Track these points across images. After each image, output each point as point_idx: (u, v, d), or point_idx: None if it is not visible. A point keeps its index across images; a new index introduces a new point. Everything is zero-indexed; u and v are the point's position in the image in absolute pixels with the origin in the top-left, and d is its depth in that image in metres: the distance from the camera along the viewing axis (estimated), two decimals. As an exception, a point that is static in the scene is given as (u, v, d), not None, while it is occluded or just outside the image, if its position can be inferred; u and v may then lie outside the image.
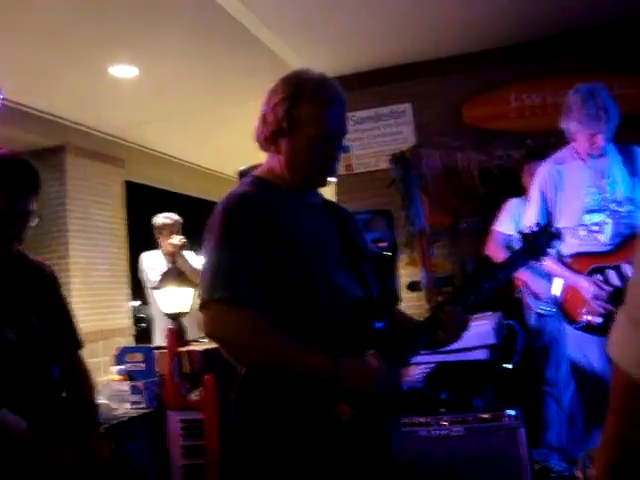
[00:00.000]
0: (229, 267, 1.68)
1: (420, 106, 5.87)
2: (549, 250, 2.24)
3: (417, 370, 3.40)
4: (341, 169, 5.98)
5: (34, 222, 2.21)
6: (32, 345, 2.11)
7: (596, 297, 3.01)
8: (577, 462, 3.67)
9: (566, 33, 5.38)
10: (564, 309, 3.18)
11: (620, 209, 3.11)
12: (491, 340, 3.34)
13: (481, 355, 3.32)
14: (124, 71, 5.53)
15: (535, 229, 2.24)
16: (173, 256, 5.13)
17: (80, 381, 2.32)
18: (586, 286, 3.04)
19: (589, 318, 3.03)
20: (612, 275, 3.04)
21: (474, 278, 1.97)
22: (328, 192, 5.74)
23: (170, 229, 5.30)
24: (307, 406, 1.63)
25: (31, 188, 2.19)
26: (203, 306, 1.70)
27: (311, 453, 1.62)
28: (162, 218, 5.40)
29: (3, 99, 2.93)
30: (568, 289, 3.16)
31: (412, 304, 5.15)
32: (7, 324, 2.06)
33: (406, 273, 5.44)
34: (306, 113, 1.78)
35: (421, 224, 5.40)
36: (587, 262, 3.09)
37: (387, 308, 1.91)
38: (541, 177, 3.23)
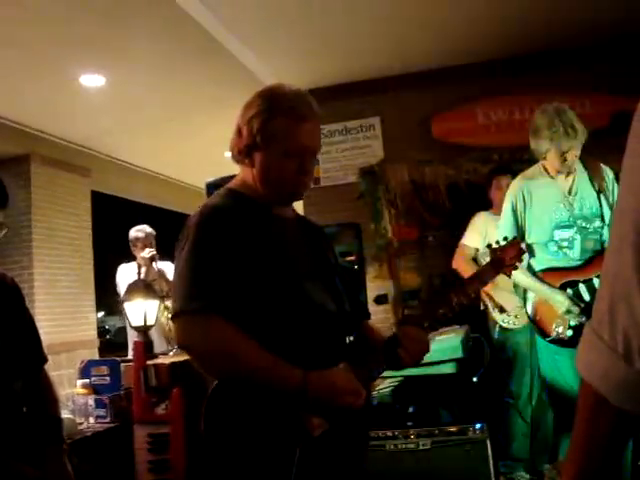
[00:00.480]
0: (201, 278, 1.67)
1: (389, 120, 5.92)
2: (517, 264, 2.27)
3: (384, 384, 3.41)
4: (309, 182, 5.99)
5: (2, 234, 2.17)
6: None
7: (569, 311, 3.05)
8: (543, 474, 3.72)
9: (534, 52, 5.48)
10: (536, 322, 3.22)
11: (588, 225, 3.17)
12: (458, 354, 3.37)
13: (448, 369, 3.35)
14: (91, 80, 5.49)
15: (503, 243, 2.28)
16: (146, 268, 5.12)
17: (44, 395, 2.27)
18: (561, 299, 3.09)
19: (559, 331, 3.08)
20: (584, 290, 3.09)
21: (442, 292, 1.98)
22: (296, 205, 5.77)
23: (143, 242, 5.31)
24: (278, 419, 1.63)
25: (1, 202, 2.15)
26: (175, 317, 1.69)
27: (282, 466, 1.61)
28: (135, 231, 5.40)
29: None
30: (540, 303, 3.20)
31: (379, 317, 5.17)
32: None
33: (374, 286, 5.47)
34: (280, 128, 1.78)
35: (388, 237, 5.44)
36: (559, 277, 3.13)
37: (359, 322, 1.91)
38: (512, 192, 3.28)
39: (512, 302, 4.07)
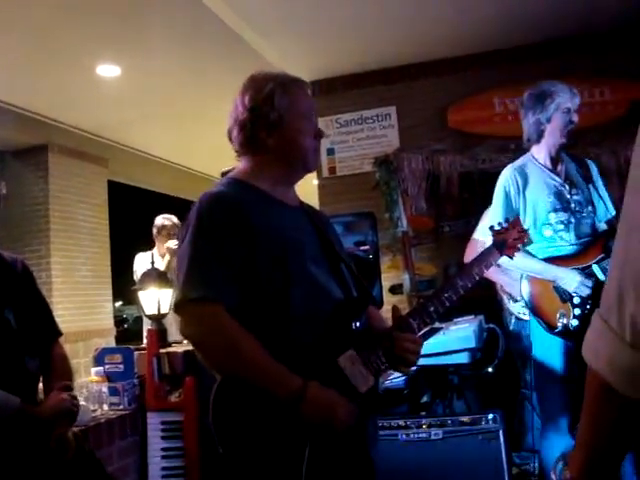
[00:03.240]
0: (204, 266, 1.66)
1: (405, 109, 5.89)
2: (519, 245, 2.25)
3: (398, 373, 3.40)
4: (325, 171, 5.99)
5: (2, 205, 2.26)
6: (7, 339, 2.11)
7: (583, 284, 3.01)
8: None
9: (551, 39, 5.42)
10: (539, 315, 3.18)
11: (581, 209, 3.17)
12: (472, 344, 3.35)
13: (462, 359, 3.33)
14: (107, 70, 5.51)
15: (505, 225, 2.25)
16: (170, 258, 5.16)
17: (56, 368, 2.31)
18: (572, 275, 3.05)
19: (564, 321, 3.04)
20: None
21: (447, 277, 1.98)
22: (312, 194, 5.77)
23: (168, 231, 5.34)
24: (287, 413, 1.62)
25: None
26: (178, 305, 1.69)
27: (288, 456, 1.61)
28: (162, 219, 5.43)
29: (-17, 96, 2.92)
30: (539, 292, 3.17)
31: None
32: None
33: (388, 276, 5.45)
34: (292, 99, 1.86)
35: (404, 227, 5.41)
36: (561, 264, 3.10)
37: (365, 308, 1.90)
38: (503, 180, 3.28)
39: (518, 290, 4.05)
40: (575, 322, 3.02)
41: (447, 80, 5.75)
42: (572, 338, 3.03)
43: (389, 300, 5.24)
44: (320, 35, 5.19)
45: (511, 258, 2.26)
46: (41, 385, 2.32)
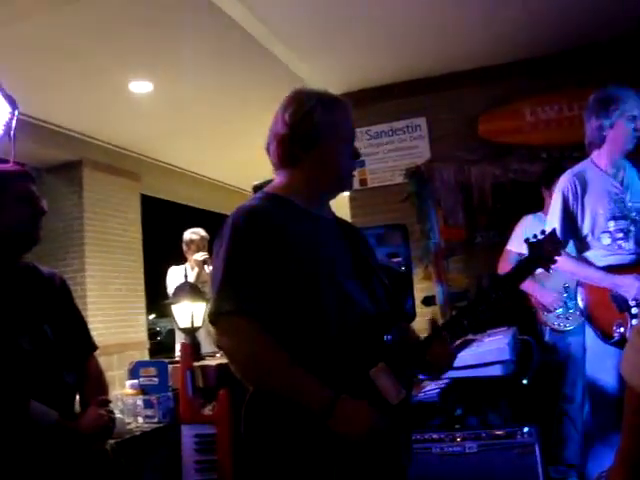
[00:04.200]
0: (237, 280, 1.68)
1: (435, 120, 5.88)
2: (556, 257, 2.22)
3: (431, 385, 3.37)
4: (356, 184, 5.98)
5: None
6: (45, 353, 2.14)
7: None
8: (593, 480, 3.62)
9: (581, 47, 5.37)
10: (594, 323, 3.09)
11: None
12: (506, 356, 3.31)
13: (496, 371, 3.29)
14: (139, 86, 5.59)
15: (540, 237, 2.23)
16: (199, 270, 5.21)
17: (93, 382, 2.34)
18: (629, 281, 2.96)
19: (621, 331, 2.96)
20: None
21: (481, 290, 1.97)
22: (343, 206, 5.77)
23: (197, 244, 5.41)
24: (316, 426, 1.61)
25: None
26: (212, 319, 1.70)
27: (320, 468, 1.60)
28: (190, 233, 5.51)
29: (20, 114, 2.96)
30: (595, 301, 3.10)
31: (427, 318, 5.11)
32: (20, 333, 2.08)
33: (421, 288, 5.42)
34: (333, 119, 1.86)
35: (436, 238, 5.39)
36: (620, 274, 3.02)
37: (397, 322, 1.89)
38: (562, 185, 3.19)
39: (556, 302, 3.99)
40: None
41: (477, 90, 5.73)
42: None
43: (422, 312, 5.22)
44: (349, 47, 5.21)
45: (547, 271, 2.23)
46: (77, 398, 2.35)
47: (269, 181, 2.01)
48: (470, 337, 3.48)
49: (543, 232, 2.30)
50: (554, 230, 2.36)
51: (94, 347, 2.43)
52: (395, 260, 4.84)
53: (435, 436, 2.88)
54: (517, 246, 4.18)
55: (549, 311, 4.07)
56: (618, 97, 3.08)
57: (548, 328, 4.13)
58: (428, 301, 5.33)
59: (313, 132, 1.83)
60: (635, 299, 2.94)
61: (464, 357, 3.24)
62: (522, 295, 4.13)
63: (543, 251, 2.16)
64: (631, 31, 5.13)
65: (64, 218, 6.73)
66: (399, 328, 1.88)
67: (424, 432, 2.91)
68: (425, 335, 1.88)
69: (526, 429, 2.83)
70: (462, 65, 5.68)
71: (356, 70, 5.63)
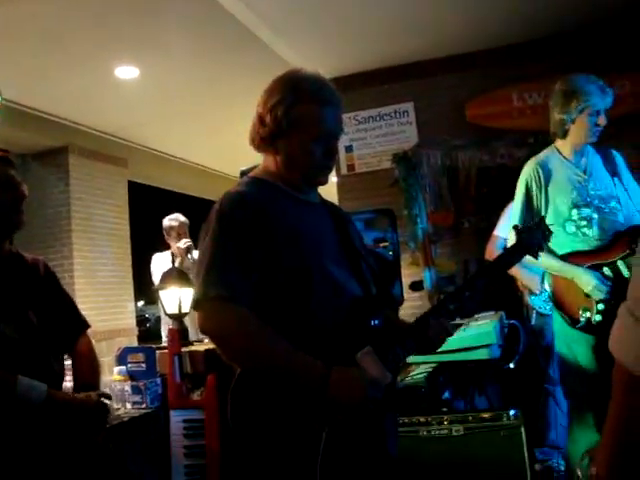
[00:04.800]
0: (222, 265, 1.68)
1: (422, 105, 5.87)
2: (544, 245, 2.24)
3: (418, 369, 3.39)
4: (343, 169, 5.99)
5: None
6: (31, 339, 2.13)
7: (596, 290, 2.99)
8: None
9: (569, 32, 5.37)
10: (562, 309, 3.16)
11: (604, 205, 3.12)
12: (493, 340, 3.33)
13: (482, 355, 3.31)
14: (126, 72, 5.55)
15: (530, 224, 2.24)
16: (181, 258, 5.18)
17: (85, 362, 2.34)
18: (587, 278, 3.03)
19: (587, 315, 3.02)
20: (608, 273, 3.03)
21: (469, 276, 1.97)
22: (330, 192, 5.77)
23: (177, 231, 5.38)
24: (303, 404, 1.63)
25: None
26: (197, 303, 1.70)
27: (307, 451, 1.61)
28: (168, 220, 5.47)
29: (5, 100, 2.94)
30: (562, 286, 3.15)
31: (415, 304, 5.14)
32: (4, 321, 2.07)
33: (409, 273, 5.44)
34: (306, 113, 1.79)
35: (423, 224, 5.40)
36: (582, 260, 3.07)
37: (384, 306, 1.90)
38: (525, 175, 3.24)
39: (541, 285, 4.03)
40: (598, 317, 3.00)
41: (465, 75, 5.73)
42: (595, 333, 3.01)
43: (409, 296, 5.24)
44: (336, 32, 5.19)
45: (536, 258, 2.25)
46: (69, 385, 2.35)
47: (256, 166, 2.00)
48: (457, 321, 3.51)
49: (532, 219, 2.31)
50: (543, 217, 2.37)
51: (86, 325, 2.43)
52: (383, 245, 4.86)
53: (422, 419, 2.90)
54: (504, 232, 4.19)
55: (535, 295, 4.09)
56: (582, 91, 3.07)
57: (534, 312, 4.16)
58: (416, 286, 5.35)
59: (278, 123, 1.79)
60: (588, 295, 3.01)
61: (451, 341, 3.26)
62: (508, 279, 4.15)
63: (531, 238, 2.18)
64: (619, 16, 5.13)
65: (51, 205, 6.69)
66: (386, 312, 1.89)
67: (411, 415, 2.92)
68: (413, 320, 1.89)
69: (512, 412, 2.85)
70: (450, 50, 5.67)
71: (344, 55, 5.61)
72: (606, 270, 3.03)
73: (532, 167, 3.22)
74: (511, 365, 3.80)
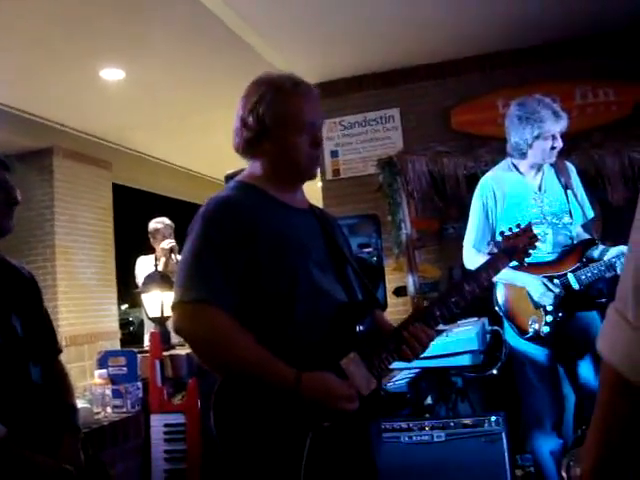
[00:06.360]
0: (203, 270, 1.67)
1: (408, 111, 5.89)
2: (530, 251, 2.25)
3: (400, 375, 3.39)
4: (329, 174, 5.99)
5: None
6: (12, 346, 2.09)
7: (546, 295, 3.02)
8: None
9: (554, 40, 5.42)
10: (511, 319, 3.19)
11: (557, 221, 3.18)
12: (475, 346, 3.34)
13: (465, 361, 3.32)
14: (111, 74, 5.52)
15: (515, 230, 2.25)
16: (165, 259, 5.17)
17: (59, 385, 2.29)
18: (535, 283, 3.05)
19: (536, 327, 3.05)
20: (559, 284, 3.07)
21: (455, 282, 1.97)
22: (315, 197, 5.76)
23: (162, 233, 5.38)
24: (287, 408, 1.62)
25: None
26: (174, 304, 1.70)
27: (290, 458, 1.61)
28: (154, 223, 5.48)
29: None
30: (513, 297, 3.17)
31: (399, 309, 5.14)
32: None
33: (393, 278, 5.44)
34: (287, 106, 1.81)
35: (407, 229, 5.41)
36: (536, 271, 3.09)
37: (370, 311, 1.90)
38: (480, 191, 3.27)
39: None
40: (546, 329, 3.04)
41: (450, 82, 5.76)
42: (543, 344, 3.05)
43: (393, 302, 5.24)
44: (323, 37, 5.19)
45: (522, 264, 2.26)
46: None
47: (241, 170, 2.00)
48: (440, 327, 3.51)
49: (518, 225, 2.33)
50: (529, 224, 2.39)
51: (59, 350, 2.38)
52: (367, 250, 4.86)
53: (404, 425, 2.90)
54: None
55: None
56: (536, 117, 3.07)
57: (517, 318, 4.17)
58: (399, 292, 5.36)
59: (260, 124, 1.80)
60: (537, 302, 3.05)
61: (434, 347, 3.26)
62: (491, 286, 4.16)
63: (517, 244, 2.18)
64: (604, 26, 5.18)
65: (34, 207, 6.63)
66: (372, 318, 1.89)
67: (393, 421, 2.92)
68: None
69: (494, 418, 2.87)
70: (436, 56, 5.69)
71: (330, 61, 5.62)
72: (556, 282, 3.07)
73: (488, 183, 3.26)
74: (494, 371, 3.81)
